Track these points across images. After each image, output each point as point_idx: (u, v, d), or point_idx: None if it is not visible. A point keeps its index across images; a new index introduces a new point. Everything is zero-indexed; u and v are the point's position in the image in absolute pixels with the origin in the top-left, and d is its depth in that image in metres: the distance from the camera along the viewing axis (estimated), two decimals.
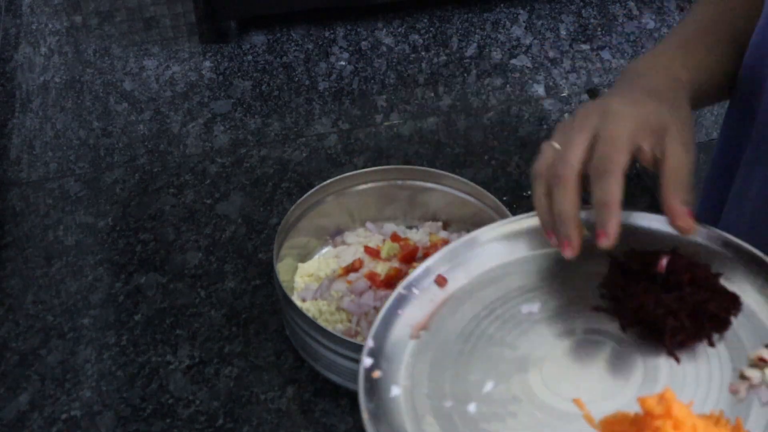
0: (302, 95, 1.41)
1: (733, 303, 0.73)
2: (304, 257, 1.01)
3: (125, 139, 1.30)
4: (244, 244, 1.07)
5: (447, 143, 1.21)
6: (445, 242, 0.96)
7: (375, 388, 0.72)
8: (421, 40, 1.53)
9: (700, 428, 0.60)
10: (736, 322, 0.72)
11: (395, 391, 0.73)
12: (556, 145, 0.76)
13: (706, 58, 0.86)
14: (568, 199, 0.72)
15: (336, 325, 0.93)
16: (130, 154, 1.27)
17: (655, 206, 1.08)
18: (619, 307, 0.74)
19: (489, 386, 0.72)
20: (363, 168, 1.04)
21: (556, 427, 0.69)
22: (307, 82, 1.44)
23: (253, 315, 0.99)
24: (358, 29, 1.56)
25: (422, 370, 0.74)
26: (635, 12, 1.59)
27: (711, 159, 1.06)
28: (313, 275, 0.99)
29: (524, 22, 1.57)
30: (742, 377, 0.69)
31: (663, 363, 0.71)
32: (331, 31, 1.56)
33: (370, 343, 0.75)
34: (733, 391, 0.68)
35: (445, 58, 1.49)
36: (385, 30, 1.56)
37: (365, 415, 0.70)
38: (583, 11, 1.60)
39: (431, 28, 1.56)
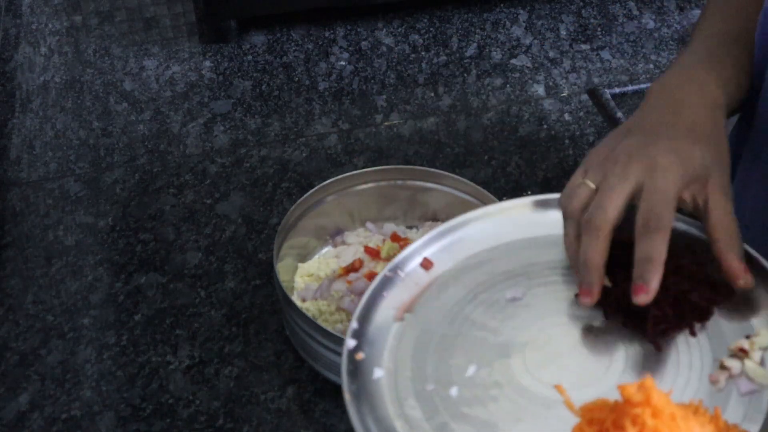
0: (302, 95, 1.41)
1: (719, 293, 0.74)
2: (304, 257, 1.01)
3: (125, 139, 1.30)
4: (244, 244, 1.07)
5: (447, 143, 1.21)
6: None
7: (358, 369, 0.73)
8: (421, 40, 1.53)
9: (678, 417, 0.61)
10: (719, 312, 0.73)
11: (378, 373, 0.73)
12: (591, 184, 0.74)
13: (736, 73, 0.85)
14: (598, 250, 0.71)
15: (336, 325, 0.93)
16: (130, 154, 1.27)
17: None
18: (603, 295, 0.74)
19: (471, 370, 0.73)
20: (363, 168, 1.04)
21: (536, 413, 0.69)
22: (307, 82, 1.44)
23: (253, 315, 0.99)
24: (358, 29, 1.56)
25: (405, 353, 0.75)
26: (635, 12, 1.59)
27: None
28: (313, 275, 0.99)
29: (524, 22, 1.57)
30: (722, 367, 0.69)
31: (645, 351, 0.72)
32: (331, 31, 1.56)
33: (354, 324, 0.75)
34: (713, 381, 0.69)
35: (445, 58, 1.49)
36: (385, 30, 1.56)
37: (347, 397, 0.70)
38: (583, 11, 1.60)
39: (431, 28, 1.56)
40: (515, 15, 1.59)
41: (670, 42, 1.52)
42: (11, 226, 1.11)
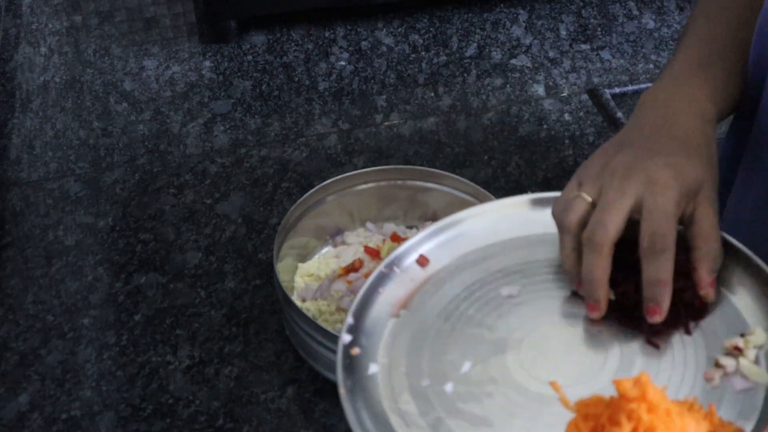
0: (302, 95, 1.40)
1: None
2: (304, 257, 1.01)
3: (125, 139, 1.30)
4: (244, 244, 1.07)
5: (447, 143, 1.21)
6: None
7: (353, 365, 0.73)
8: (421, 40, 1.53)
9: (673, 412, 0.61)
10: (714, 311, 0.73)
11: (373, 368, 0.73)
12: (588, 198, 0.74)
13: (725, 81, 0.85)
14: (602, 267, 0.72)
15: (336, 325, 0.93)
16: (130, 154, 1.27)
17: None
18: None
19: (466, 366, 0.73)
20: (363, 168, 1.04)
21: (531, 409, 0.70)
22: (307, 82, 1.44)
23: (253, 315, 0.99)
24: (358, 29, 1.56)
25: (401, 349, 0.75)
26: (635, 12, 1.59)
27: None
28: (313, 275, 0.99)
29: (524, 22, 1.57)
30: (717, 365, 0.70)
31: (640, 348, 0.72)
32: (331, 31, 1.56)
33: (349, 320, 0.76)
34: (708, 379, 0.69)
35: (445, 58, 1.49)
36: (385, 30, 1.56)
37: (342, 391, 0.70)
38: (583, 11, 1.60)
39: (431, 28, 1.56)
40: (515, 15, 1.59)
41: (670, 42, 1.52)
42: (11, 226, 1.11)
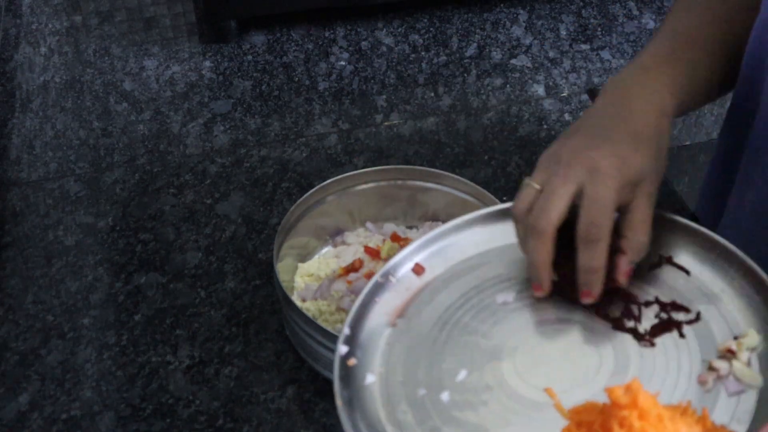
0: (302, 95, 1.41)
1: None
2: (304, 257, 1.01)
3: (125, 139, 1.30)
4: (244, 244, 1.07)
5: (447, 143, 1.21)
6: None
7: (350, 375, 0.73)
8: (421, 40, 1.53)
9: (665, 418, 0.61)
10: (708, 314, 0.74)
11: (370, 378, 0.73)
12: (536, 185, 0.77)
13: (690, 77, 0.86)
14: (543, 251, 0.75)
15: (336, 325, 0.93)
16: (130, 154, 1.27)
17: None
18: (561, 285, 0.77)
19: (462, 375, 0.73)
20: (363, 168, 1.04)
21: (527, 416, 0.70)
22: (307, 82, 1.44)
23: (253, 315, 0.99)
24: (358, 29, 1.56)
25: (397, 358, 0.75)
26: (635, 12, 1.59)
27: (710, 161, 1.06)
28: (313, 275, 0.99)
29: (524, 22, 1.57)
30: (711, 368, 0.70)
31: (634, 353, 0.73)
32: (331, 31, 1.56)
33: (346, 330, 0.76)
34: (702, 382, 0.70)
35: (445, 58, 1.49)
36: (385, 30, 1.56)
37: (339, 402, 0.71)
38: (583, 11, 1.60)
39: (431, 28, 1.56)
40: (515, 15, 1.59)
41: None
42: (11, 226, 1.11)
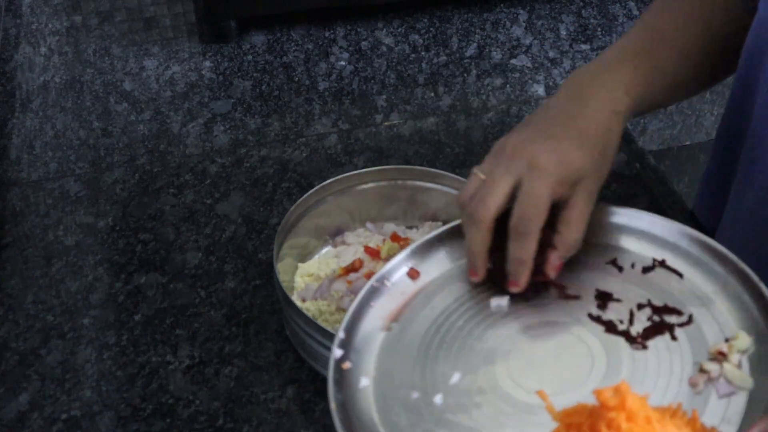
0: (302, 95, 1.41)
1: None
2: (304, 257, 1.01)
3: (125, 139, 1.30)
4: (244, 244, 1.07)
5: (447, 143, 1.21)
6: None
7: (344, 379, 0.74)
8: (421, 40, 1.53)
9: (654, 420, 0.62)
10: (700, 316, 0.74)
11: (364, 382, 0.74)
12: (481, 175, 0.79)
13: (651, 76, 0.86)
14: (479, 239, 0.77)
15: (336, 325, 0.93)
16: (130, 154, 1.27)
17: (654, 206, 1.08)
18: (496, 274, 0.79)
19: (456, 378, 0.74)
20: (363, 168, 1.04)
21: (519, 418, 0.70)
22: (307, 82, 1.44)
23: (253, 315, 0.99)
24: (358, 29, 1.56)
25: (392, 362, 0.76)
26: (635, 12, 1.59)
27: (708, 160, 1.06)
28: (313, 275, 0.99)
29: (524, 22, 1.57)
30: (702, 371, 0.71)
31: (626, 356, 0.73)
32: (331, 31, 1.56)
33: (341, 334, 0.77)
34: (692, 384, 0.70)
35: (445, 58, 1.49)
36: (385, 30, 1.56)
37: (333, 405, 0.71)
38: (583, 11, 1.60)
39: (431, 28, 1.56)
40: (515, 15, 1.59)
41: None
42: (11, 226, 1.11)
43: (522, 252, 0.76)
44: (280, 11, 1.56)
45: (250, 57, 1.50)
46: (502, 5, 1.61)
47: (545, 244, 0.77)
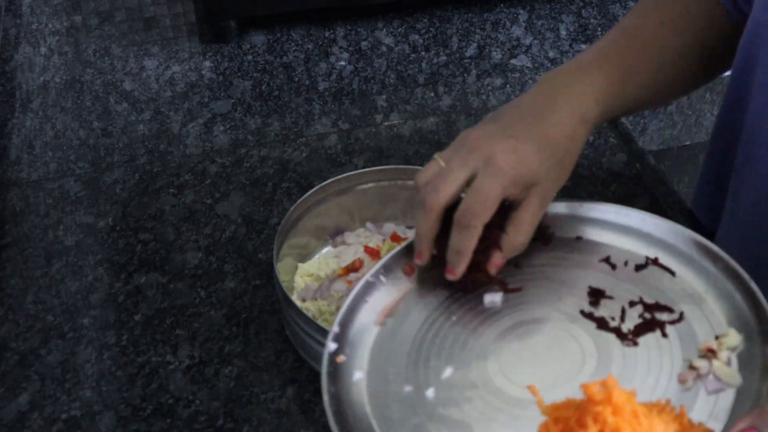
0: (302, 95, 1.41)
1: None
2: (304, 257, 1.01)
3: (125, 139, 1.30)
4: (244, 244, 1.07)
5: (447, 143, 1.21)
6: None
7: (338, 372, 0.75)
8: (421, 40, 1.53)
9: (640, 414, 0.62)
10: (691, 314, 0.74)
11: (358, 375, 0.75)
12: (441, 162, 0.79)
13: (630, 78, 0.86)
14: (427, 225, 0.78)
15: None
16: (130, 154, 1.27)
17: (654, 206, 1.08)
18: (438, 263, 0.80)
19: (448, 372, 0.74)
20: (363, 168, 1.04)
21: (509, 413, 0.71)
22: (307, 82, 1.44)
23: (253, 315, 1.00)
24: (358, 29, 1.56)
25: (385, 356, 0.77)
26: None
27: (705, 159, 1.06)
28: (313, 275, 0.99)
29: (524, 22, 1.57)
30: (691, 367, 0.71)
31: (617, 352, 0.74)
32: (331, 31, 1.56)
33: (335, 328, 0.77)
34: (682, 381, 0.71)
35: (445, 58, 1.49)
36: (385, 30, 1.56)
37: (326, 398, 0.72)
38: (583, 11, 1.61)
39: (431, 28, 1.56)
40: (515, 15, 1.59)
41: None
42: (11, 226, 1.11)
43: (461, 244, 0.77)
44: (280, 11, 1.56)
45: (250, 57, 1.50)
46: (502, 5, 1.61)
47: (492, 242, 0.78)
